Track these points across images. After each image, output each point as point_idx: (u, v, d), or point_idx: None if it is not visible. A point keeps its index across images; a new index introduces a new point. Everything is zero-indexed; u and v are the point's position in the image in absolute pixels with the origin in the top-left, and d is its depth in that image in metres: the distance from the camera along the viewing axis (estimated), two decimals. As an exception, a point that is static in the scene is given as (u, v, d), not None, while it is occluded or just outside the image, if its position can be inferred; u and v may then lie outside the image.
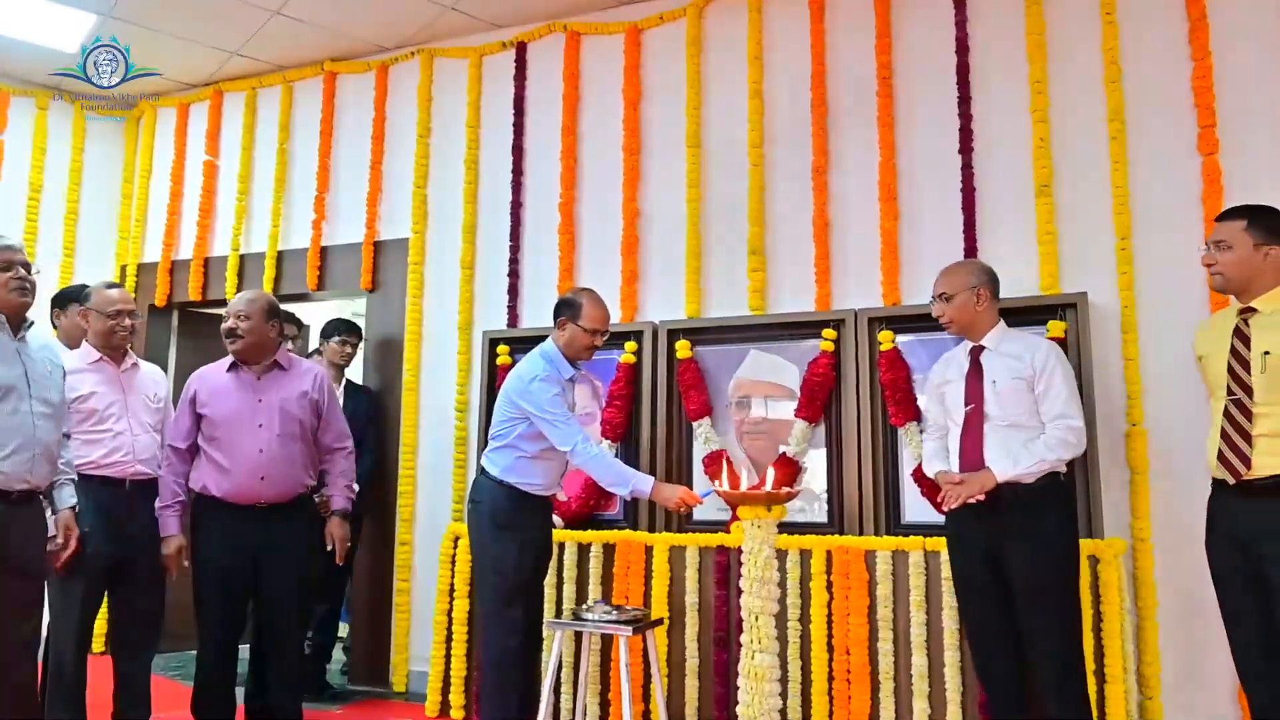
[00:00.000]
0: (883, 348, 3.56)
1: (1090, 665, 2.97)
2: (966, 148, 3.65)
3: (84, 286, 3.28)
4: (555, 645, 3.06)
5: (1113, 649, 2.97)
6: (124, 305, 3.15)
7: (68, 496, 2.65)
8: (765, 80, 4.03)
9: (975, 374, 2.85)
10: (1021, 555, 2.68)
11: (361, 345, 4.56)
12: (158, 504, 3.04)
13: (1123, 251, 3.39)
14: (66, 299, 3.45)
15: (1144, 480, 3.27)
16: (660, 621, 3.34)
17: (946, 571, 3.15)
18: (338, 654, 4.69)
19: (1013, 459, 2.69)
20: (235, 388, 3.15)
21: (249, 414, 3.11)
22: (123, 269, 5.34)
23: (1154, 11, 3.47)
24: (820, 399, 3.63)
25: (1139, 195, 3.41)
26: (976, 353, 2.89)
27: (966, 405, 2.84)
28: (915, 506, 3.45)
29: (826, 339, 3.64)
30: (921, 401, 3.49)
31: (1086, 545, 3.05)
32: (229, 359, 3.21)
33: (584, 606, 3.17)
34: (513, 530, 3.05)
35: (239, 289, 4.94)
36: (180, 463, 3.09)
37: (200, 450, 3.11)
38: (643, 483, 3.02)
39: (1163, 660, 3.17)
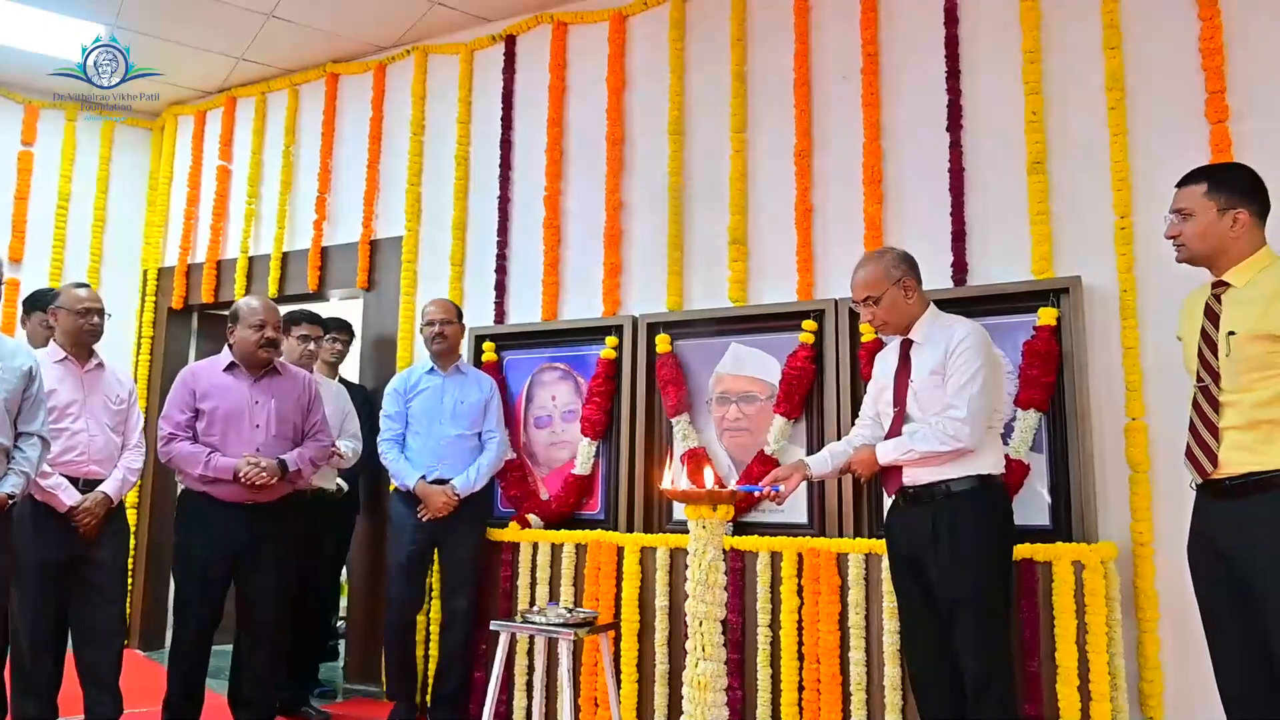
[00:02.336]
0: (865, 339, 3.36)
1: (1074, 682, 2.73)
2: (955, 124, 3.42)
3: (49, 291, 3.34)
4: (501, 646, 2.97)
5: (1098, 665, 2.72)
6: (91, 304, 3.19)
7: (6, 485, 2.62)
8: (748, 62, 3.87)
9: (904, 371, 2.62)
10: (937, 564, 2.46)
11: (358, 344, 4.58)
12: (201, 468, 3.08)
13: (1122, 231, 3.12)
14: (32, 304, 3.53)
15: (1144, 479, 3.00)
16: (612, 626, 3.22)
17: (921, 576, 2.95)
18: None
19: (894, 444, 2.52)
20: (234, 387, 3.24)
21: (246, 414, 3.21)
22: (144, 273, 5.49)
23: (1157, -31, 3.18)
24: (799, 393, 3.45)
25: (1140, 169, 3.13)
26: (906, 347, 2.66)
27: (894, 407, 2.62)
28: (898, 507, 3.25)
29: (807, 330, 3.47)
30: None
31: (1069, 550, 2.81)
32: (226, 358, 3.28)
33: (534, 608, 3.08)
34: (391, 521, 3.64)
35: (247, 291, 5.03)
36: (190, 440, 3.15)
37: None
38: (409, 479, 3.52)
39: (1165, 676, 2.90)
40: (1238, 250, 2.14)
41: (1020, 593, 2.83)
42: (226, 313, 3.42)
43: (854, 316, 3.40)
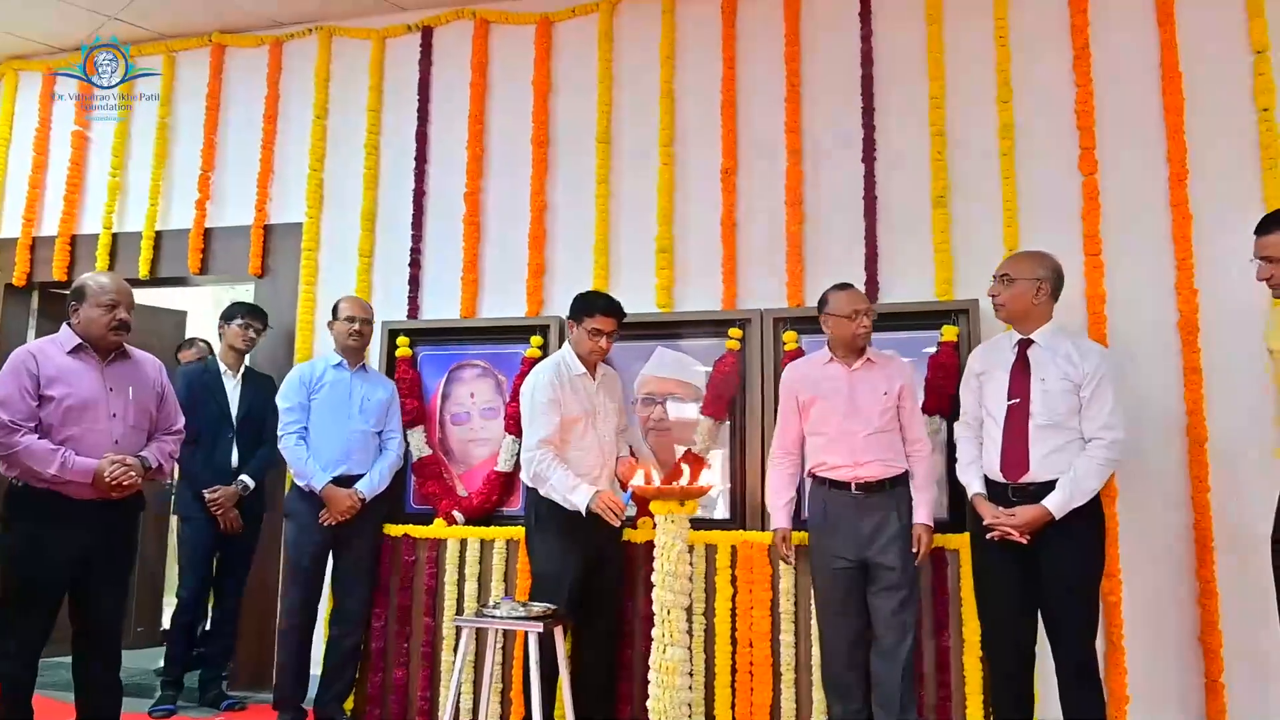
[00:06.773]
0: (787, 348, 3.64)
1: (977, 653, 3.12)
2: (869, 157, 3.78)
3: None
4: (465, 641, 2.99)
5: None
6: None
7: None
8: (676, 80, 4.07)
9: (1021, 368, 2.86)
10: (1055, 555, 2.72)
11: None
12: (54, 467, 2.71)
13: (1010, 262, 3.59)
14: None
15: (1024, 477, 3.47)
16: (569, 616, 3.31)
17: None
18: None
19: (1066, 492, 2.70)
20: (85, 372, 2.88)
21: (104, 402, 2.88)
22: (-25, 244, 4.90)
23: (1042, 40, 3.68)
24: (726, 397, 3.68)
25: (1025, 209, 3.62)
26: (1025, 345, 2.90)
27: (1010, 399, 2.84)
28: (815, 502, 3.54)
29: (733, 338, 3.71)
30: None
31: (938, 539, 3.14)
32: (70, 339, 2.89)
33: (490, 604, 3.12)
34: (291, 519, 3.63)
35: (110, 270, 4.62)
36: (36, 434, 2.75)
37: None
38: (317, 480, 3.48)
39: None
40: None
41: (935, 578, 3.21)
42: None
43: (778, 326, 3.68)
